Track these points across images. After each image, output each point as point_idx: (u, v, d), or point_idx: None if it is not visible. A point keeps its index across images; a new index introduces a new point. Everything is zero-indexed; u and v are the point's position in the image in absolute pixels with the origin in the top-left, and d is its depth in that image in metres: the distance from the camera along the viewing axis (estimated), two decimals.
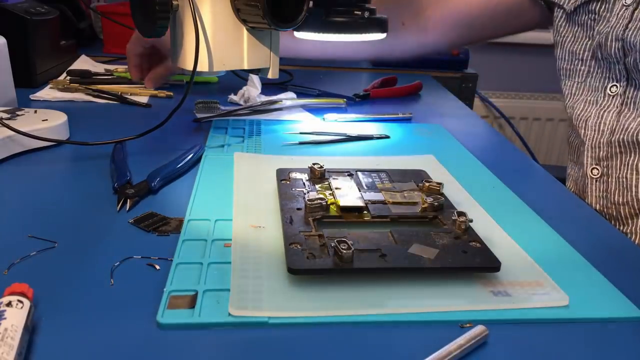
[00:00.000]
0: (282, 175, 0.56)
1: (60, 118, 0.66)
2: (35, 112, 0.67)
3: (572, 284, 0.42)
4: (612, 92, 0.73)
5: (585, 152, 0.75)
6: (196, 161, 0.62)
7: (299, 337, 0.35)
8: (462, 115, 0.91)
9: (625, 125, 0.70)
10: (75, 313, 0.36)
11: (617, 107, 0.72)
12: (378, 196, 0.52)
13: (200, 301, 0.38)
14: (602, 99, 0.74)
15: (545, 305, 0.39)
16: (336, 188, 0.53)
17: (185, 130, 0.74)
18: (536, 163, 0.73)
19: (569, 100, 0.80)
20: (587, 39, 0.76)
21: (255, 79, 0.87)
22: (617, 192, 0.72)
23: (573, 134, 0.81)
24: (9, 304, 0.33)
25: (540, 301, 0.40)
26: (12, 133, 0.59)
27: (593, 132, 0.74)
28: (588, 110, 0.75)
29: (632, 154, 0.70)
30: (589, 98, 0.76)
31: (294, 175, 0.57)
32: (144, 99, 0.86)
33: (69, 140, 0.67)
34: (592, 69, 0.76)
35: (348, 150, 0.71)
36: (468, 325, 0.37)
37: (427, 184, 0.54)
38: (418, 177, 0.58)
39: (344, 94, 0.93)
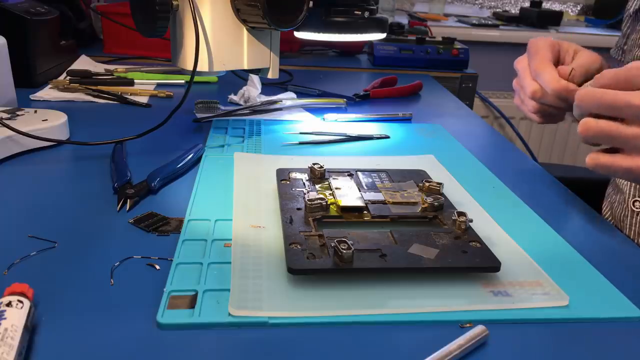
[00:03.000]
0: (282, 175, 0.56)
1: (60, 118, 0.66)
2: (35, 112, 0.67)
3: (572, 284, 0.42)
4: None
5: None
6: (196, 161, 0.62)
7: (299, 337, 0.35)
8: (462, 115, 0.91)
9: None
10: (75, 313, 0.36)
11: None
12: (378, 196, 0.52)
13: (200, 301, 0.38)
14: None
15: (545, 305, 0.39)
16: (336, 188, 0.53)
17: (185, 130, 0.74)
18: (536, 163, 0.72)
19: None
20: None
21: (255, 79, 0.87)
22: None
23: None
24: (9, 304, 0.33)
25: (540, 301, 0.40)
26: (12, 133, 0.59)
27: None
28: None
29: None
30: None
31: (294, 175, 0.57)
32: (144, 99, 0.86)
33: (69, 140, 0.67)
34: None
35: (348, 150, 0.71)
36: (468, 325, 0.37)
37: (427, 184, 0.54)
38: (418, 177, 0.58)
39: (344, 94, 0.93)
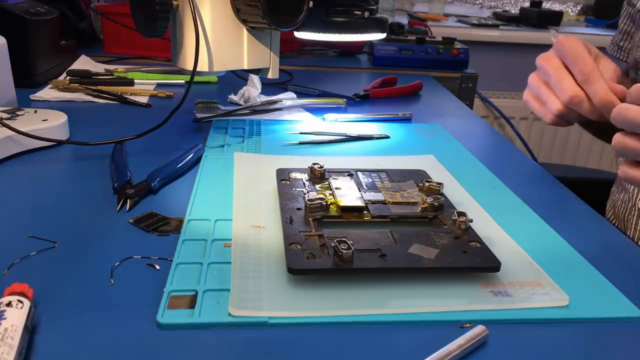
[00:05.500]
0: (282, 175, 0.56)
1: (60, 118, 0.66)
2: (35, 112, 0.67)
3: (572, 284, 0.42)
4: None
5: None
6: (196, 161, 0.62)
7: (298, 337, 0.35)
8: (462, 115, 0.91)
9: None
10: (75, 313, 0.36)
11: None
12: (378, 196, 0.52)
13: (200, 301, 0.38)
14: None
15: (545, 305, 0.39)
16: (336, 188, 0.53)
17: (185, 130, 0.74)
18: (536, 163, 0.72)
19: None
20: None
21: (255, 79, 0.87)
22: None
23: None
24: (9, 304, 0.33)
25: (540, 301, 0.40)
26: (12, 133, 0.59)
27: None
28: None
29: None
30: None
31: (294, 175, 0.57)
32: (144, 99, 0.86)
33: (69, 140, 0.67)
34: None
35: (348, 150, 0.71)
36: (468, 325, 0.37)
37: (427, 184, 0.54)
38: (418, 177, 0.58)
39: (344, 94, 0.93)
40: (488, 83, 1.86)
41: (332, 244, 0.41)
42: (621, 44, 0.81)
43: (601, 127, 0.85)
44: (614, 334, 0.38)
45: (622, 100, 0.57)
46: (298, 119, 0.81)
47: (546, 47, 0.63)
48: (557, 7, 2.12)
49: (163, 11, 0.60)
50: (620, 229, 0.72)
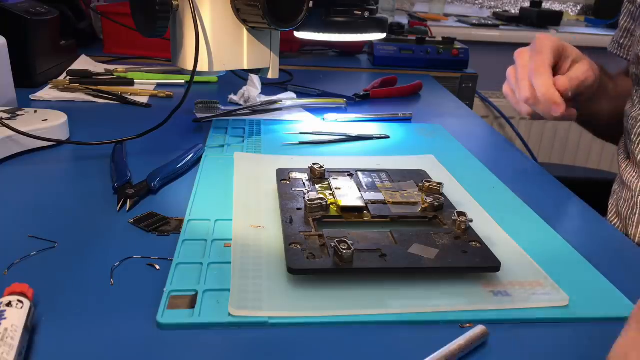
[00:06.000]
0: (282, 175, 0.56)
1: (60, 118, 0.66)
2: (35, 112, 0.67)
3: (572, 284, 0.42)
4: None
5: (636, 173, 0.65)
6: (196, 161, 0.62)
7: (298, 337, 0.35)
8: (462, 115, 0.91)
9: None
10: (75, 313, 0.36)
11: None
12: (378, 196, 0.52)
13: (200, 301, 0.38)
14: None
15: (545, 305, 0.39)
16: (336, 188, 0.53)
17: (185, 130, 0.74)
18: (536, 163, 0.72)
19: (634, 110, 0.70)
20: None
21: (255, 79, 0.87)
22: None
23: (621, 150, 0.73)
24: (9, 304, 0.33)
25: (540, 301, 0.40)
26: (12, 133, 0.59)
27: None
28: None
29: None
30: None
31: (294, 175, 0.57)
32: (144, 99, 0.86)
33: (69, 140, 0.67)
34: None
35: (348, 150, 0.71)
36: (468, 325, 0.37)
37: (427, 184, 0.54)
38: (418, 177, 0.58)
39: (344, 94, 0.93)
40: (488, 83, 1.85)
41: (332, 244, 0.41)
42: (621, 41, 0.82)
43: (601, 126, 0.86)
44: (614, 334, 0.38)
45: (564, 95, 0.57)
46: (298, 119, 0.81)
47: None
48: (557, 7, 2.12)
49: (163, 11, 0.60)
50: (622, 227, 0.71)
